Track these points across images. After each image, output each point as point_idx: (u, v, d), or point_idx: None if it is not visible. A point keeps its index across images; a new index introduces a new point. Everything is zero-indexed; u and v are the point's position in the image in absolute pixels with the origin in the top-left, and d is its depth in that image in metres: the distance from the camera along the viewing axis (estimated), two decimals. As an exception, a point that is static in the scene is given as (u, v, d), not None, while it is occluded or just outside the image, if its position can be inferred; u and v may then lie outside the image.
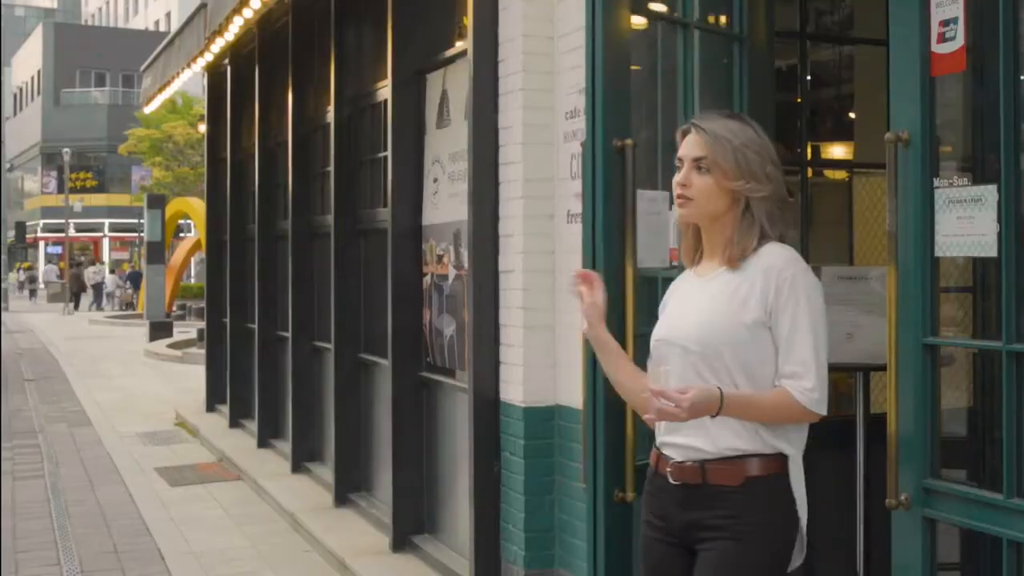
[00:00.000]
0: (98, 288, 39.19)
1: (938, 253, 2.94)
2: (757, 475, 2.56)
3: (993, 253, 2.79)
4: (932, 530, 2.97)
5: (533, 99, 4.95)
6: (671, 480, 2.64)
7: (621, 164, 3.58)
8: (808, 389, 2.54)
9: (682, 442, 2.63)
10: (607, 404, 3.57)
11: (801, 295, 2.55)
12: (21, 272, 48.99)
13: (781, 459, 2.59)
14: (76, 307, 36.41)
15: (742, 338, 2.56)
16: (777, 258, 2.58)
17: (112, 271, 42.01)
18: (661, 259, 3.75)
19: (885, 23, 3.14)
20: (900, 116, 2.99)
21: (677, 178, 2.65)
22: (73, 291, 37.72)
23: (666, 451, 2.68)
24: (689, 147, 2.65)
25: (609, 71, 3.55)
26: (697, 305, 2.65)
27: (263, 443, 9.30)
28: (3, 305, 36.15)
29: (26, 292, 46.38)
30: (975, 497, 2.86)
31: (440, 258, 6.07)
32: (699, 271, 2.72)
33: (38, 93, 58.55)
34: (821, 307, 2.59)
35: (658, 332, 2.72)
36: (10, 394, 14.49)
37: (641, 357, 2.88)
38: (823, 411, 2.57)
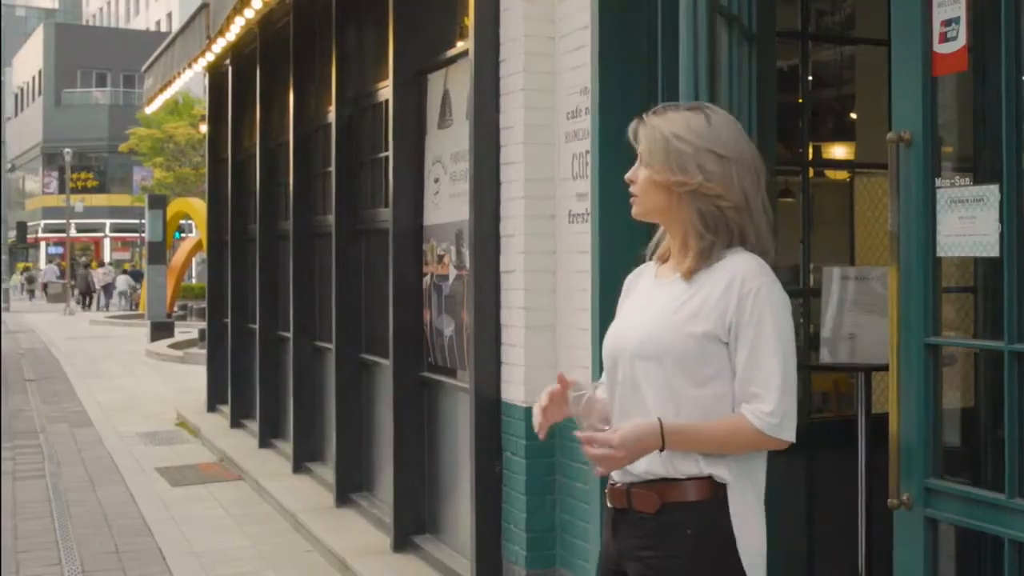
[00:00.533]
0: (107, 289, 39.24)
1: (940, 253, 2.94)
2: (677, 502, 2.31)
3: (995, 253, 2.78)
4: (934, 530, 2.97)
5: (534, 99, 4.95)
6: (608, 502, 2.47)
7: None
8: (767, 413, 2.27)
9: None
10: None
11: (766, 311, 2.30)
12: (24, 274, 49.03)
13: (712, 485, 2.32)
14: (87, 307, 36.45)
15: (688, 350, 2.32)
16: (740, 268, 2.33)
17: (125, 271, 42.08)
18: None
19: (887, 23, 3.14)
20: (902, 116, 2.99)
21: (628, 174, 2.49)
22: (81, 291, 37.75)
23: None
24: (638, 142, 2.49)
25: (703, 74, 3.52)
26: (647, 311, 2.43)
27: (264, 443, 9.30)
28: (5, 305, 36.16)
29: (27, 293, 46.43)
30: (977, 497, 2.86)
31: (441, 258, 6.07)
32: (661, 271, 2.50)
33: (39, 93, 58.58)
34: (788, 325, 2.35)
35: (608, 338, 2.51)
36: (11, 394, 14.50)
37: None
38: (787, 437, 2.30)
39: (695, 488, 2.31)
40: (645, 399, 2.36)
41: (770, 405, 2.28)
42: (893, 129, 2.99)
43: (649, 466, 2.33)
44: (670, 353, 2.33)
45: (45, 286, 44.90)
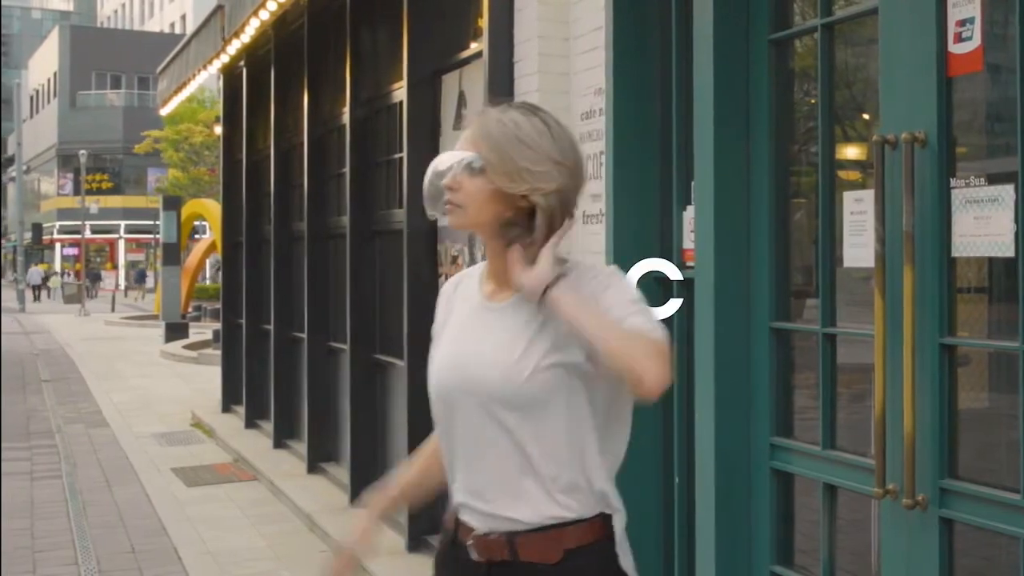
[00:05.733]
0: None
1: (955, 253, 2.94)
2: (580, 546, 2.09)
3: (1011, 253, 2.78)
4: (949, 530, 2.97)
5: (549, 100, 4.95)
6: (473, 556, 2.14)
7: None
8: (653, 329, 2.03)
9: (484, 508, 2.13)
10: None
11: (624, 290, 2.10)
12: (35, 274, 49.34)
13: (603, 520, 2.12)
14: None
15: (559, 383, 2.07)
16: (589, 267, 2.15)
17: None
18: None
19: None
20: (916, 116, 2.99)
21: (446, 180, 2.16)
22: None
23: (465, 516, 2.17)
24: (463, 144, 2.18)
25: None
26: (492, 340, 2.13)
27: (279, 444, 9.33)
28: (21, 306, 36.30)
29: (44, 293, 46.74)
30: (992, 497, 2.86)
31: (455, 259, 6.09)
32: (490, 292, 2.20)
33: (54, 95, 58.89)
34: (632, 288, 2.13)
35: (440, 374, 2.19)
36: (27, 395, 14.58)
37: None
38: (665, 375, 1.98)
39: (595, 526, 2.12)
40: (521, 448, 2.09)
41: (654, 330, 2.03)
42: (907, 129, 2.98)
43: (545, 507, 2.09)
44: (538, 389, 2.07)
45: (35, 288, 45.27)
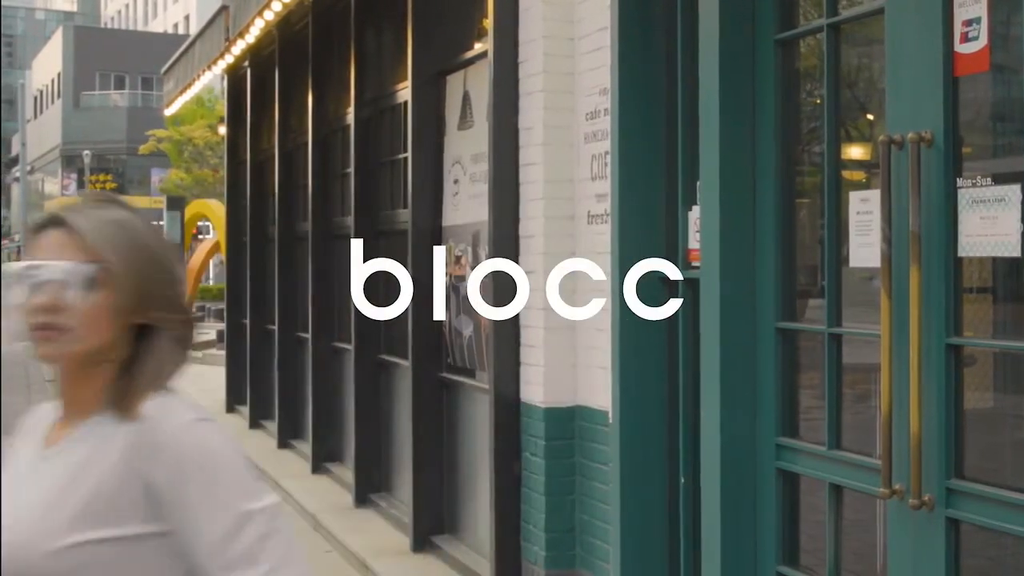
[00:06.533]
0: None
1: (961, 253, 2.94)
2: None
3: (1017, 253, 2.78)
4: (955, 530, 2.96)
5: (553, 100, 4.96)
6: None
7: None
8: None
9: None
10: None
11: (205, 468, 1.69)
12: None
13: None
14: None
15: (101, 561, 1.60)
16: (162, 419, 1.70)
17: None
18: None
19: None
20: (923, 116, 2.99)
21: (37, 299, 1.64)
22: None
23: None
24: (59, 251, 1.65)
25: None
26: (25, 500, 1.65)
27: (283, 444, 9.33)
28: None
29: None
30: (998, 497, 2.85)
31: (458, 259, 6.09)
32: (52, 432, 1.73)
33: (58, 96, 58.92)
34: (234, 463, 1.77)
35: None
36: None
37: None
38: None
39: None
40: None
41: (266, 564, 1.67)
42: (913, 129, 2.98)
43: None
44: (73, 567, 1.60)
45: None
